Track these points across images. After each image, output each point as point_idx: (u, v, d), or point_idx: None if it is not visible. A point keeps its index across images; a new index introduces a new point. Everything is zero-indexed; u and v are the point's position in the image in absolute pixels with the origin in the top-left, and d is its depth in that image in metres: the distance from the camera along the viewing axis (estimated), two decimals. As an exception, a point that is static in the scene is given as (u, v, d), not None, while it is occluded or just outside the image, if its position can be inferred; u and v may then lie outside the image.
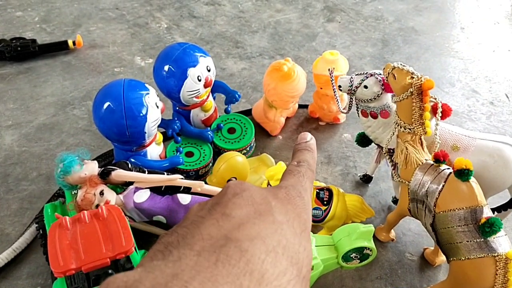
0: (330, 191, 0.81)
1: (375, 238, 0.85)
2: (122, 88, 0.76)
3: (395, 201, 0.91)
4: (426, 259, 0.83)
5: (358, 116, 0.85)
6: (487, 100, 1.17)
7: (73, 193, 0.74)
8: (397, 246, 0.85)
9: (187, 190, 0.78)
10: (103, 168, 0.74)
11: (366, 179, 0.95)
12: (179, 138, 0.91)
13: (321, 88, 1.02)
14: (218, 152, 0.92)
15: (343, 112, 0.90)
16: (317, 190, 0.80)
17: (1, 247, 0.81)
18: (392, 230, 0.85)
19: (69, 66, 1.22)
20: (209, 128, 0.95)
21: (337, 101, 0.89)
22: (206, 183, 0.81)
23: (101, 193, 0.71)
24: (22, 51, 1.20)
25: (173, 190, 0.77)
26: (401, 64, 0.72)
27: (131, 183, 0.75)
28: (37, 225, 0.77)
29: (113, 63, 1.23)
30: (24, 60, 1.21)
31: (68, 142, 1.01)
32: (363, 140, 0.87)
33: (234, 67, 1.24)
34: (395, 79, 0.72)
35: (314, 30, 1.40)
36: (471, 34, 1.42)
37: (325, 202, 0.79)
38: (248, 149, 0.96)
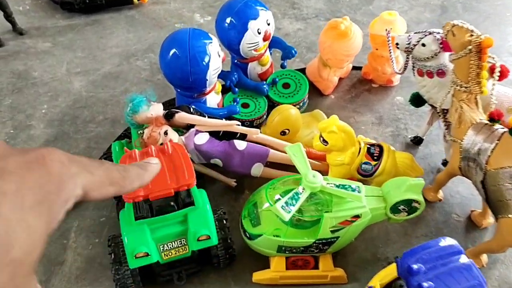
0: (380, 147, 0.83)
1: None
2: (187, 37, 0.81)
3: (445, 163, 0.91)
4: (473, 220, 0.84)
5: (414, 75, 0.86)
6: (549, 70, 1.14)
7: (139, 132, 0.80)
8: (444, 206, 0.87)
9: (242, 137, 0.83)
10: (167, 110, 0.79)
11: (417, 141, 0.96)
12: (236, 89, 0.95)
13: (376, 49, 1.03)
14: (272, 105, 0.95)
15: (398, 73, 0.91)
16: (368, 146, 0.82)
17: (71, 180, 0.88)
18: (440, 191, 0.87)
19: (133, 20, 1.27)
20: (264, 82, 0.98)
21: (392, 62, 0.89)
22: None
23: (166, 133, 0.76)
24: (90, 4, 1.26)
25: (229, 136, 0.82)
26: (461, 22, 0.72)
27: (192, 126, 0.80)
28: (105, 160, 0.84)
29: (174, 19, 1.28)
30: (91, 13, 1.28)
31: (131, 91, 1.07)
32: (417, 100, 0.88)
33: (290, 27, 1.26)
34: (454, 36, 0.72)
35: (372, -6, 1.39)
36: (537, 3, 1.36)
37: (375, 158, 0.82)
38: (301, 104, 0.98)
